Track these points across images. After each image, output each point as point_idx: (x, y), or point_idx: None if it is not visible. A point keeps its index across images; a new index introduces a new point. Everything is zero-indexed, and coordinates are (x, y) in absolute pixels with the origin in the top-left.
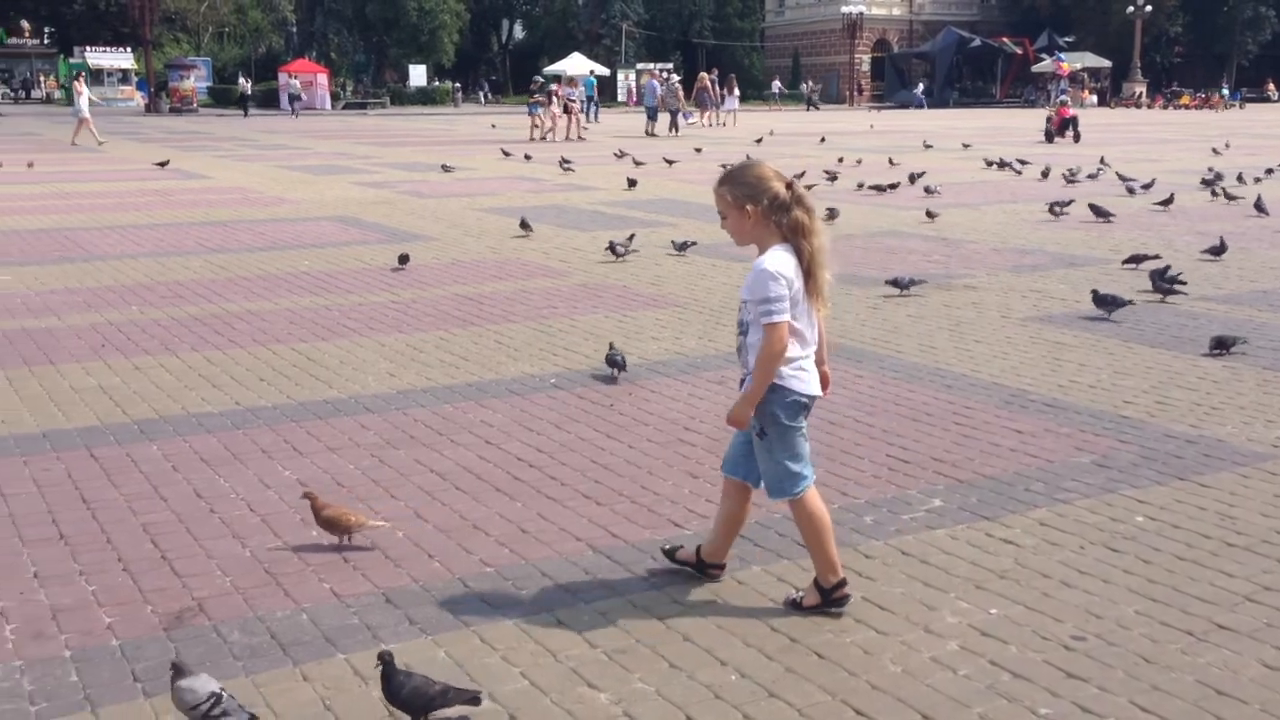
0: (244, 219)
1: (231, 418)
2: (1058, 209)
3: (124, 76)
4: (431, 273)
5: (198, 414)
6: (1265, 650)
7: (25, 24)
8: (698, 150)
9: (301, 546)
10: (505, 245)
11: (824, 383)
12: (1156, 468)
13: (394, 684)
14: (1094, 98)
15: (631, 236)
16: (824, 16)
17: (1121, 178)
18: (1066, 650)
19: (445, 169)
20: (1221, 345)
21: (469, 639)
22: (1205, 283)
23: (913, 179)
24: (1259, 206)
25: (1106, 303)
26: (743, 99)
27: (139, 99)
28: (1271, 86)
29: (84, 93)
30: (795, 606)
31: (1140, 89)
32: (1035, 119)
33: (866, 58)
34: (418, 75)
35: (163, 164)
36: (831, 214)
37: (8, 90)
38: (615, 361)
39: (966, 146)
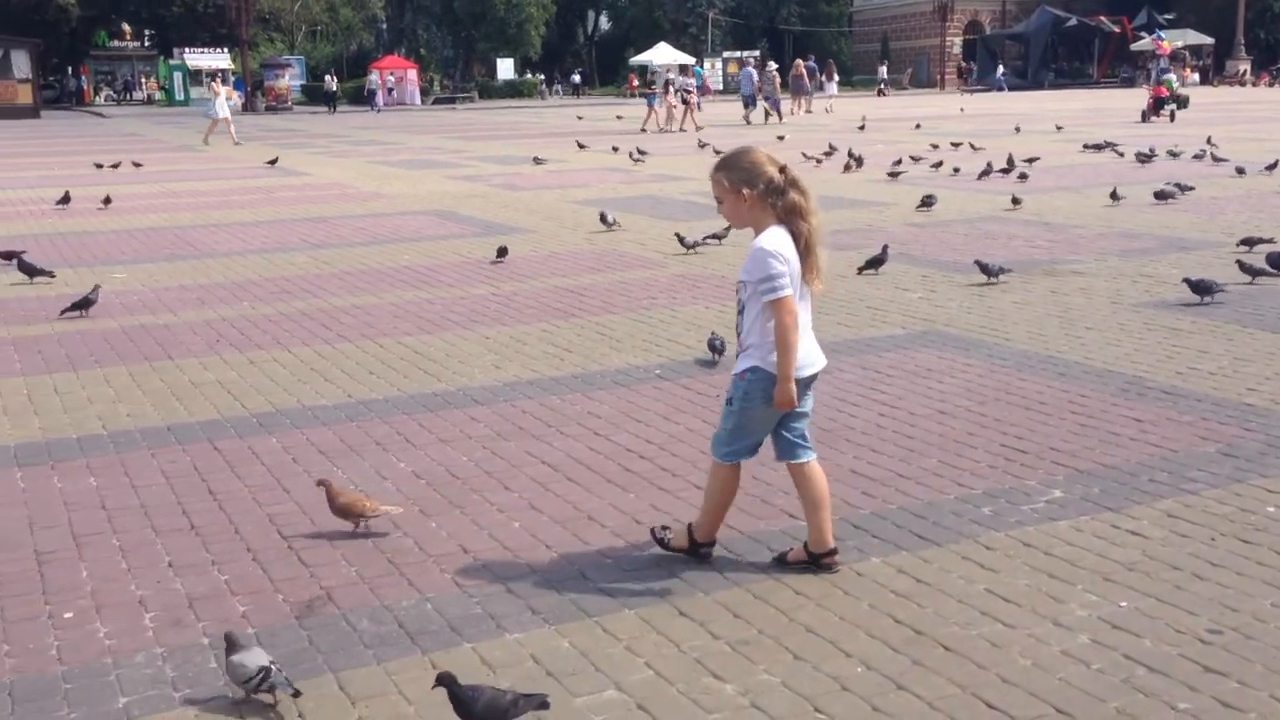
0: (343, 214)
1: (345, 410)
2: (1181, 189)
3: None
4: (530, 265)
5: (312, 407)
6: None
7: (126, 27)
8: (780, 139)
9: (421, 537)
10: (600, 237)
11: None
12: None
13: (465, 703)
14: (1195, 76)
15: (728, 228)
16: None
17: (1215, 159)
18: (1202, 644)
19: (537, 161)
20: None
21: (592, 629)
22: None
23: (1010, 164)
24: None
25: (1203, 289)
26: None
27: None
28: None
29: (221, 93)
30: (780, 562)
31: (1244, 66)
32: (1133, 99)
33: (958, 40)
34: (505, 69)
35: (272, 162)
36: (928, 201)
37: (110, 92)
38: (714, 346)
39: (1059, 129)
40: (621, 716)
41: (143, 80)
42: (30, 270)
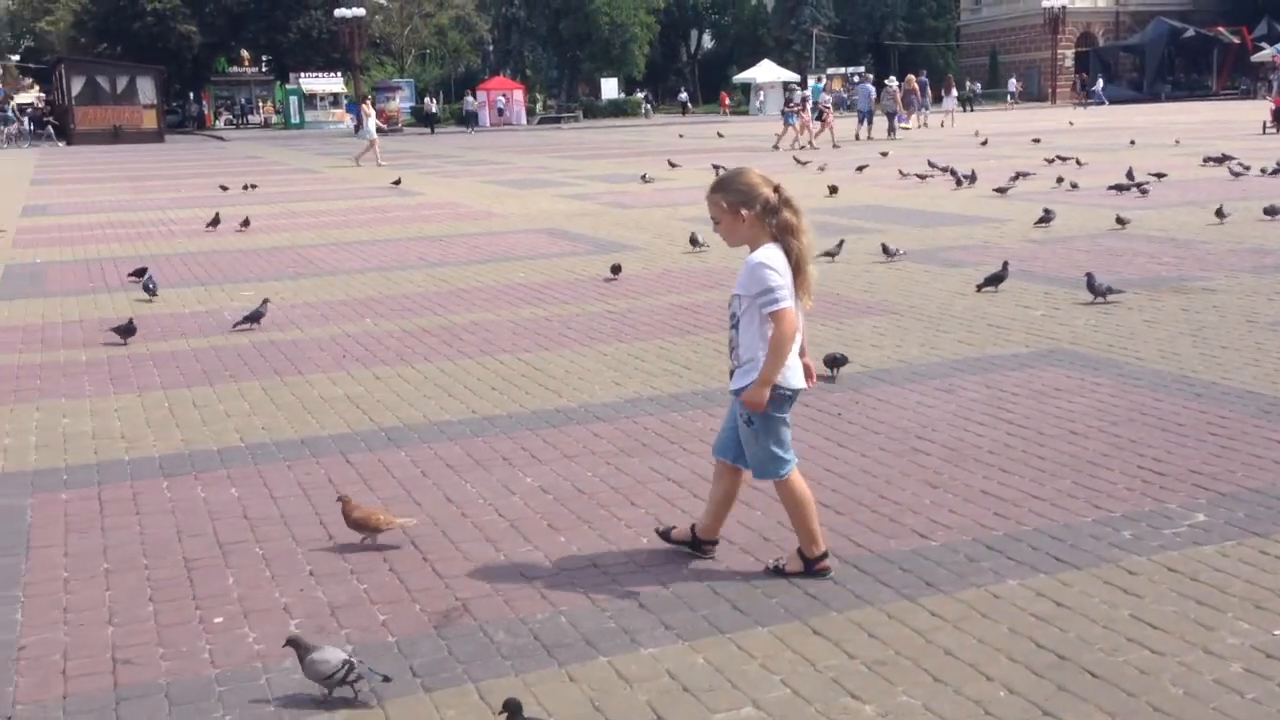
0: (457, 233)
1: (470, 426)
2: None
3: (334, 100)
4: (643, 282)
5: (438, 422)
6: None
7: (245, 53)
8: (884, 154)
9: (551, 551)
10: (711, 254)
11: (807, 374)
12: None
13: None
14: None
15: (841, 243)
16: (1024, 11)
17: None
18: None
19: (645, 179)
20: None
21: (725, 645)
22: None
23: (1131, 178)
24: None
25: None
26: (936, 100)
27: (348, 121)
28: None
29: (372, 114)
30: (779, 573)
31: None
32: (1253, 112)
33: (1070, 53)
34: (609, 88)
35: (396, 183)
36: (1046, 216)
37: (230, 116)
38: (835, 360)
39: (1177, 143)
40: None
41: (260, 104)
42: (148, 289)
